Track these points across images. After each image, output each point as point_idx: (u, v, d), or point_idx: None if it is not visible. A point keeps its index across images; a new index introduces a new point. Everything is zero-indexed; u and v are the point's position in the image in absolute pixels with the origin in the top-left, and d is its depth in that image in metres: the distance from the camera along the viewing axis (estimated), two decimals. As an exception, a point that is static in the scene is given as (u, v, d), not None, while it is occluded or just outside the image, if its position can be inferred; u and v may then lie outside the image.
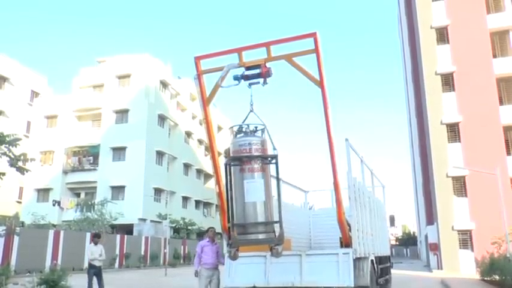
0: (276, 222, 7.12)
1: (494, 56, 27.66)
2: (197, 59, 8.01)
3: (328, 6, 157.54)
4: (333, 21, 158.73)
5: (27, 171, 10.53)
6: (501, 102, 27.02)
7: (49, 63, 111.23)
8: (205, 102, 8.07)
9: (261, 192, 7.07)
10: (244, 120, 7.48)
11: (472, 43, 27.34)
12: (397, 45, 64.51)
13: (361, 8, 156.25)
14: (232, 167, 7.24)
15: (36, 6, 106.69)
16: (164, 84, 43.99)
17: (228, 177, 7.27)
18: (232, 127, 7.60)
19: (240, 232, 7.04)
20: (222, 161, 7.96)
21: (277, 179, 7.32)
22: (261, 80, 7.53)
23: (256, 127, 7.36)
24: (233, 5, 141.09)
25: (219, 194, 8.01)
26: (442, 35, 28.58)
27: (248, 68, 7.64)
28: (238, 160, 7.05)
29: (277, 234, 7.13)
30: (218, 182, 8.03)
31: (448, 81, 27.77)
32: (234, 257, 7.53)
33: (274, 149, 7.36)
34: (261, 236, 7.08)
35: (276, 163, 7.26)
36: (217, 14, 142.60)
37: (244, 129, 7.36)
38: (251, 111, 7.52)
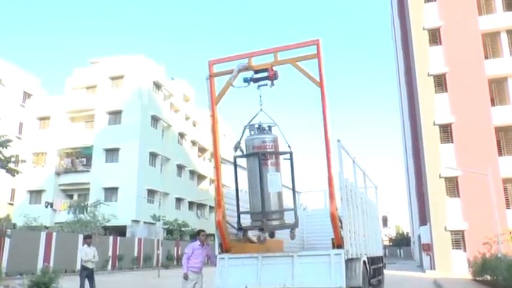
0: (292, 209, 8.46)
1: (486, 57, 27.85)
2: (211, 63, 8.80)
3: (321, 6, 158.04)
4: (326, 22, 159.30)
5: (17, 173, 10.40)
6: (493, 103, 27.21)
7: (42, 64, 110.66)
8: (214, 101, 8.74)
9: (280, 184, 8.20)
10: (253, 118, 8.41)
11: (464, 44, 27.52)
12: (390, 46, 64.76)
13: (355, 9, 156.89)
14: (249, 161, 8.28)
15: (28, 7, 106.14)
16: (157, 86, 43.85)
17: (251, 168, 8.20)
18: (249, 125, 8.40)
19: (259, 219, 8.00)
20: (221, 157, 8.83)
21: (292, 173, 8.37)
22: (269, 82, 8.37)
23: (269, 126, 8.35)
24: (225, 6, 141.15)
25: (217, 189, 8.50)
26: (435, 36, 28.75)
27: (257, 71, 8.43)
28: (263, 154, 7.99)
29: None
30: (217, 178, 8.57)
31: (440, 82, 27.92)
32: (263, 241, 8.40)
33: (289, 146, 8.37)
34: (279, 222, 8.23)
35: (291, 159, 8.33)
36: (211, 15, 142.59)
37: (262, 127, 8.32)
38: (261, 110, 8.38)
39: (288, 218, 8.67)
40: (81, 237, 24.10)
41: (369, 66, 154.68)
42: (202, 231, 9.66)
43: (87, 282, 11.56)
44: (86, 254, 11.75)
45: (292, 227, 8.49)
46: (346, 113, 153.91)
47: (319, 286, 7.56)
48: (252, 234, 9.03)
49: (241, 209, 8.50)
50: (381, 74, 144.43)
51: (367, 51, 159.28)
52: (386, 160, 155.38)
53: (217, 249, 8.66)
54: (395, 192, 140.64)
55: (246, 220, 8.74)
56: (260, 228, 8.06)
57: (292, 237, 8.64)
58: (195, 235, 9.76)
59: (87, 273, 11.63)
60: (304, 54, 8.28)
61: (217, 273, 8.39)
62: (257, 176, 7.99)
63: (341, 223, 8.10)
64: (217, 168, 8.66)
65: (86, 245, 11.98)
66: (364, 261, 9.46)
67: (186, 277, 8.96)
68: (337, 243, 7.91)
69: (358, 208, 9.81)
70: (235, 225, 8.89)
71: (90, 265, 11.74)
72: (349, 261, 8.46)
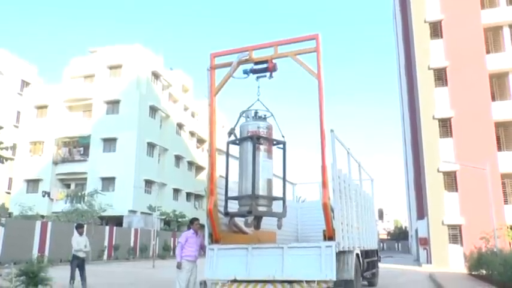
0: (281, 198, 8.54)
1: (488, 52, 27.54)
2: (212, 55, 9.07)
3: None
4: (327, 15, 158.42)
5: (7, 160, 10.21)
6: (493, 98, 26.95)
7: (40, 52, 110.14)
8: (214, 91, 8.96)
9: (271, 171, 8.34)
10: (250, 107, 8.60)
11: (465, 38, 27.19)
12: (391, 39, 64.39)
13: (356, 2, 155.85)
14: (242, 145, 8.38)
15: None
16: (156, 76, 43.56)
17: (243, 154, 8.33)
18: (245, 111, 8.58)
19: (248, 203, 8.01)
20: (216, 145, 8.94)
21: (284, 162, 8.55)
22: (268, 74, 8.62)
23: (265, 115, 8.54)
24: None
25: (211, 177, 8.56)
26: (436, 30, 28.43)
27: (256, 63, 8.70)
28: (257, 138, 8.09)
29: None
30: (212, 166, 8.65)
31: (440, 76, 27.65)
32: (250, 225, 8.38)
33: (283, 136, 8.58)
34: (266, 209, 8.24)
35: (284, 149, 8.54)
36: (210, 5, 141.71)
37: (257, 115, 8.48)
38: (258, 100, 8.64)
39: (279, 209, 8.63)
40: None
41: (371, 59, 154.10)
42: (196, 219, 9.54)
43: (77, 272, 11.44)
44: (78, 243, 11.62)
45: (280, 216, 8.52)
46: (346, 106, 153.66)
47: (309, 279, 7.43)
48: (243, 223, 8.95)
49: (229, 197, 8.51)
50: (382, 67, 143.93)
51: (369, 44, 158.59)
52: (388, 154, 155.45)
53: (207, 239, 8.54)
54: (395, 185, 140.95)
55: (234, 210, 8.69)
56: (248, 211, 8.07)
57: (279, 226, 8.64)
58: (189, 224, 9.66)
59: (78, 263, 11.52)
60: (304, 48, 8.48)
61: (207, 264, 8.28)
62: (249, 160, 8.04)
63: (334, 214, 7.99)
64: (212, 156, 8.72)
65: (77, 234, 11.83)
66: (357, 254, 9.35)
67: (179, 266, 8.84)
68: (329, 235, 7.78)
69: (352, 200, 9.67)
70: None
71: (81, 254, 11.62)
72: (341, 254, 8.35)
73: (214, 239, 8.46)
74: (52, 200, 38.65)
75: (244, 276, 7.87)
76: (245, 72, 8.74)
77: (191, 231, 9.23)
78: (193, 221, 9.50)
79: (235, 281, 7.93)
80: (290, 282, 7.59)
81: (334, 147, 8.18)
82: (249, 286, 7.94)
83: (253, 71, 8.71)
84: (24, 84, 46.99)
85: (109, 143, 39.34)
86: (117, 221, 36.29)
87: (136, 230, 32.87)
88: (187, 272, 8.84)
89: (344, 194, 8.84)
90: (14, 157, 41.47)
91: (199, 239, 9.12)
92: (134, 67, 40.76)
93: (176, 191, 45.55)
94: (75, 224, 12.87)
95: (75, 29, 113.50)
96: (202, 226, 9.10)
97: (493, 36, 28.32)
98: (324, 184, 7.83)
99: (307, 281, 7.45)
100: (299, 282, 7.51)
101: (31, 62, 50.09)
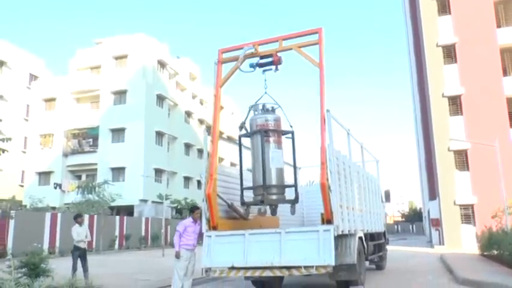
0: (293, 185, 9.04)
1: (499, 26, 26.71)
2: (220, 51, 9.44)
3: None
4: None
5: (3, 152, 10.05)
6: (505, 74, 26.24)
7: (46, 45, 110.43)
8: (220, 84, 9.25)
9: (282, 160, 8.70)
10: (258, 100, 8.96)
11: (475, 12, 26.39)
12: (401, 19, 63.17)
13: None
14: (252, 139, 8.74)
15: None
16: (162, 64, 43.31)
17: (254, 146, 8.71)
18: (253, 105, 8.96)
19: (260, 193, 8.42)
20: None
21: (293, 151, 8.91)
22: (273, 67, 9.03)
23: (273, 107, 8.91)
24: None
25: (211, 163, 8.70)
26: (444, 6, 27.65)
27: (262, 57, 9.09)
28: (265, 132, 8.50)
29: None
30: (213, 151, 8.80)
31: (449, 53, 26.96)
32: (264, 214, 8.97)
33: (291, 126, 8.96)
34: (279, 197, 8.62)
35: (293, 138, 8.93)
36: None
37: (266, 108, 8.85)
38: (265, 93, 8.98)
39: (291, 195, 8.96)
40: (87, 217, 24.09)
41: (382, 40, 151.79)
42: (197, 208, 9.38)
43: (79, 263, 11.38)
44: (78, 234, 11.57)
45: (293, 202, 8.82)
46: (361, 88, 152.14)
47: (307, 264, 7.22)
48: (257, 212, 9.10)
49: (244, 187, 8.88)
50: (395, 48, 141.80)
51: (380, 25, 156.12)
52: (404, 134, 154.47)
53: (204, 226, 8.37)
54: (410, 166, 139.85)
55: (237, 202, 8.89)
56: (260, 200, 8.46)
57: (293, 212, 8.94)
58: (189, 212, 9.52)
59: (80, 253, 11.46)
60: (307, 41, 8.90)
61: (204, 251, 8.11)
62: (259, 152, 8.44)
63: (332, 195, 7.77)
64: (214, 142, 8.88)
65: (77, 225, 11.76)
66: (360, 238, 9.12)
67: (178, 255, 8.70)
68: (327, 218, 7.54)
69: (353, 182, 9.39)
70: (227, 201, 8.71)
71: (82, 245, 11.58)
72: (343, 238, 8.15)
73: (211, 226, 8.28)
74: (64, 191, 38.95)
75: (241, 263, 7.70)
76: (251, 66, 9.11)
77: (190, 219, 9.08)
78: (194, 209, 9.34)
79: (233, 268, 7.77)
80: (288, 268, 7.39)
81: (331, 127, 7.94)
82: (247, 273, 7.79)
83: (259, 65, 9.08)
84: (33, 77, 47.14)
85: (117, 133, 39.42)
86: (128, 210, 36.47)
87: (147, 219, 32.97)
88: (185, 261, 8.71)
89: (343, 176, 8.59)
90: (26, 150, 42.08)
91: (198, 228, 8.95)
92: (140, 56, 40.58)
93: (187, 179, 45.60)
94: (74, 215, 12.82)
95: (79, 19, 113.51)
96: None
97: (504, 10, 27.44)
98: (323, 165, 7.61)
99: (305, 267, 7.25)
100: (297, 268, 7.32)
101: (38, 55, 50.33)
